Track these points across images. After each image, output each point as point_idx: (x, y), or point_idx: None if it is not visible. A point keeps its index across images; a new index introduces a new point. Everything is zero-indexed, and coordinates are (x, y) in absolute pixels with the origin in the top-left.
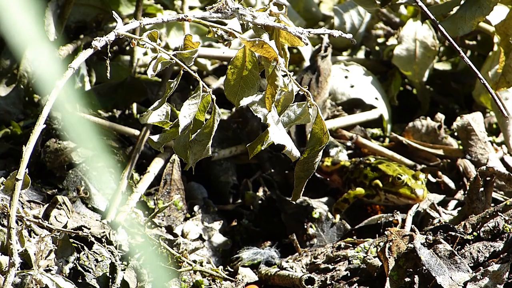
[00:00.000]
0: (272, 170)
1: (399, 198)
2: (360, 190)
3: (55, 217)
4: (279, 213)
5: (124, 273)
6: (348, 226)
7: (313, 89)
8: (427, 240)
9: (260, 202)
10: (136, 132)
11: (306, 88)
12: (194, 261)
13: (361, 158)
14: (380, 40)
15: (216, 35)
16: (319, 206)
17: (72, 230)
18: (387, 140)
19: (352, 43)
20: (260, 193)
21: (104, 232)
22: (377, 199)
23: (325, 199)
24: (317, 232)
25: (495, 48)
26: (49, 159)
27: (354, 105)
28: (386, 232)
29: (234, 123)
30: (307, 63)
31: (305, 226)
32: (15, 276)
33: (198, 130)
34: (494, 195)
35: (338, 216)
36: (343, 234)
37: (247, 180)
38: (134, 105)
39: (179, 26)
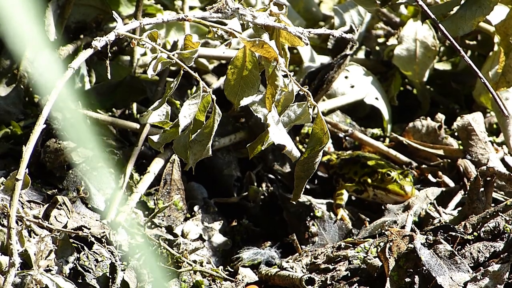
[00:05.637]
0: (275, 163)
1: (387, 194)
2: (349, 185)
3: (55, 217)
4: (281, 211)
5: (124, 273)
6: (350, 226)
7: (325, 84)
8: (428, 240)
9: (262, 197)
10: (138, 126)
11: (308, 86)
12: (194, 261)
13: (349, 152)
14: (380, 40)
15: (216, 35)
16: (322, 207)
17: (72, 230)
18: (387, 140)
19: (353, 43)
20: (263, 188)
21: (104, 232)
22: (365, 195)
23: (326, 201)
24: (319, 231)
25: (496, 48)
26: (49, 159)
27: (354, 105)
28: (386, 232)
29: (232, 119)
30: (306, 64)
31: (307, 224)
32: (15, 276)
33: (198, 130)
34: (494, 195)
35: (340, 211)
36: (345, 234)
37: (250, 173)
38: (134, 105)
39: (179, 26)
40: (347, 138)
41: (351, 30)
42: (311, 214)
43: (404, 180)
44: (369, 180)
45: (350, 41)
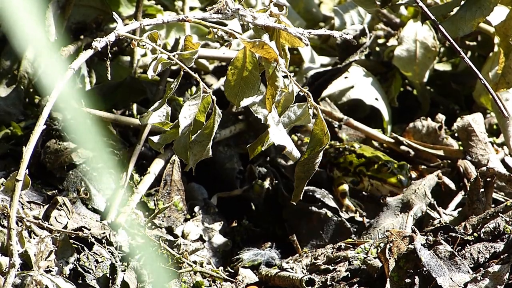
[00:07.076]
0: (277, 156)
1: (383, 185)
2: (346, 177)
3: (55, 218)
4: (282, 208)
5: (124, 274)
6: (358, 217)
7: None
8: (428, 241)
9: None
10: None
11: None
12: (195, 262)
13: (345, 144)
14: (380, 41)
15: (216, 36)
16: (323, 207)
17: (72, 231)
18: None
19: (352, 43)
20: (266, 184)
21: (104, 233)
22: (361, 186)
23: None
24: (319, 230)
25: (495, 49)
26: (49, 160)
27: (354, 106)
28: (386, 233)
29: (232, 116)
30: (306, 64)
31: (308, 223)
32: (15, 277)
33: (199, 131)
34: (494, 196)
35: (346, 201)
36: (345, 235)
37: (251, 166)
38: (134, 106)
39: (179, 27)
40: (342, 127)
41: (363, 33)
42: (312, 213)
43: (401, 172)
44: (365, 170)
45: (361, 45)
